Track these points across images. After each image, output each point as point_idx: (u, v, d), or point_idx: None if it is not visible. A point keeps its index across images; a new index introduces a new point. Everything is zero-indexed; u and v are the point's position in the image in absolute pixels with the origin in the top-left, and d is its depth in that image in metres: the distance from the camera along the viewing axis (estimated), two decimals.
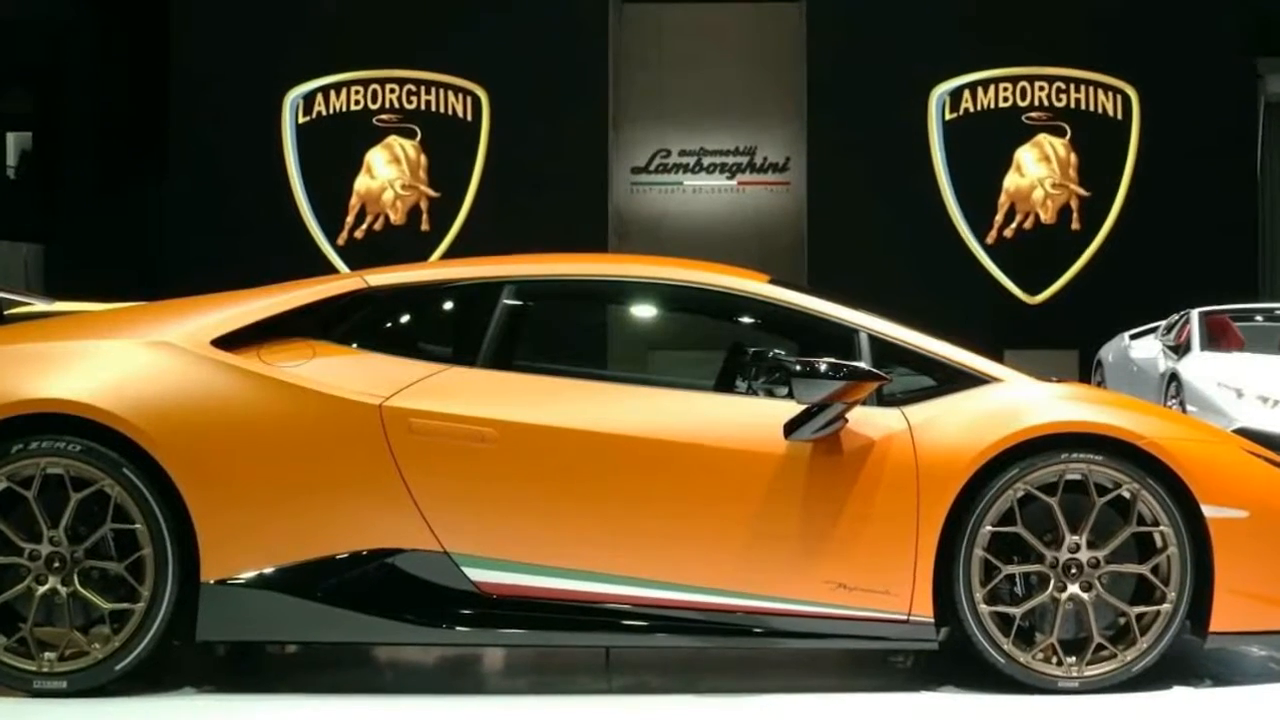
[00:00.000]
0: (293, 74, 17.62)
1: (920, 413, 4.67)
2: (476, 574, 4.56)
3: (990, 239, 17.34)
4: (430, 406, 4.60)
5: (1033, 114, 17.46)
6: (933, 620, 4.58)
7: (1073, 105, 17.44)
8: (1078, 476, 4.59)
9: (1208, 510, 4.58)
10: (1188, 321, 12.35)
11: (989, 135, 17.32)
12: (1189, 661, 4.95)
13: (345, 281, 4.99)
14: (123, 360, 4.66)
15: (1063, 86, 17.45)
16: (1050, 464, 4.58)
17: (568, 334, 6.39)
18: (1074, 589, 4.60)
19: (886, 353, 4.83)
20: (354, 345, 4.81)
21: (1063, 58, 17.36)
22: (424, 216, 17.62)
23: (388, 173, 17.68)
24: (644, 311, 5.58)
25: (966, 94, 17.48)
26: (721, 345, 5.49)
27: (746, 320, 5.27)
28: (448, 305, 5.13)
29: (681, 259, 5.39)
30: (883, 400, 4.71)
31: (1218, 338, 11.94)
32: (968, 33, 17.26)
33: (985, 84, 17.48)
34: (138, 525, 4.51)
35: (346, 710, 4.49)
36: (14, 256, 17.09)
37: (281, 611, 4.54)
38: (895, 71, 17.16)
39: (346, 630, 4.57)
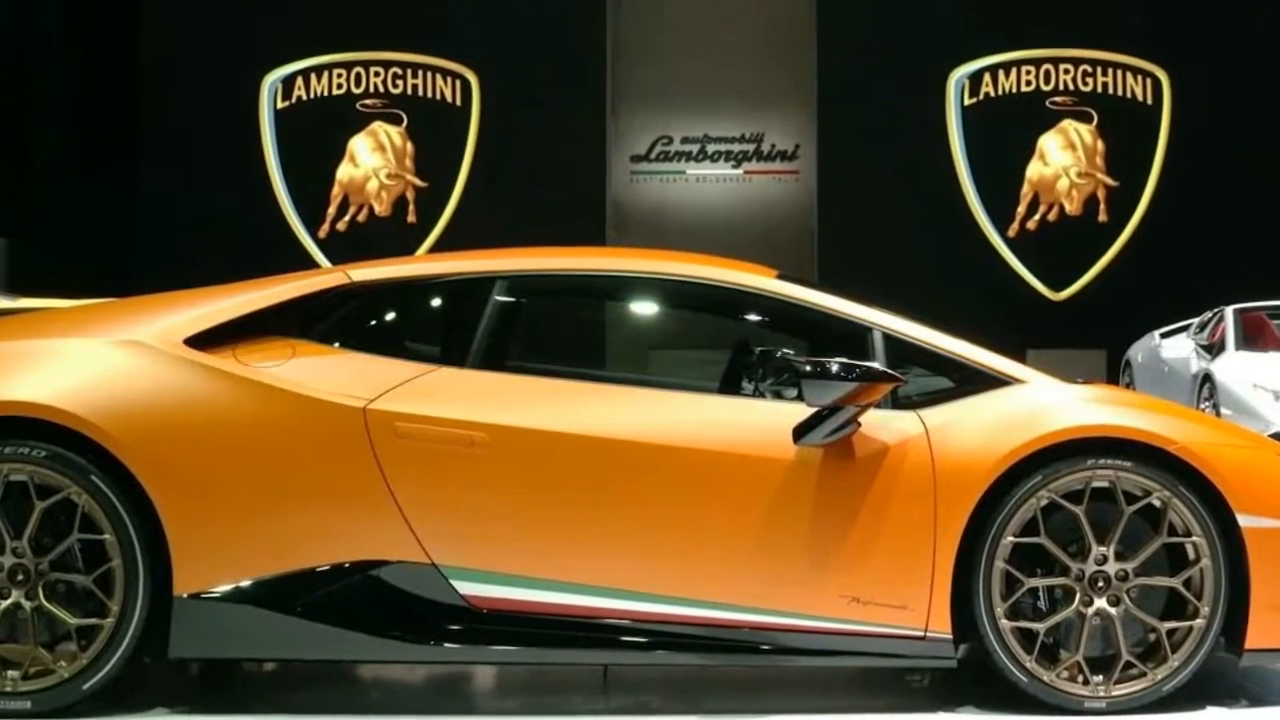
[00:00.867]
0: (271, 56, 17.65)
1: (937, 416, 4.67)
2: (466, 587, 4.56)
3: (1012, 231, 17.36)
4: (417, 409, 4.60)
5: (1057, 98, 17.49)
6: (951, 636, 4.58)
7: (1100, 89, 17.47)
8: (1105, 484, 4.59)
9: (1244, 520, 4.58)
10: (1222, 319, 12.37)
11: (1011, 121, 17.35)
12: (1223, 681, 4.95)
13: (327, 276, 4.99)
14: (90, 360, 4.66)
15: (1089, 69, 17.47)
16: (1076, 470, 4.58)
17: (563, 332, 6.38)
18: (1101, 603, 4.60)
19: (901, 352, 4.83)
20: (336, 344, 4.81)
21: (1089, 39, 17.38)
22: (410, 208, 17.65)
23: (372, 161, 17.70)
24: (644, 309, 5.58)
25: (987, 77, 17.50)
26: (726, 345, 5.49)
27: (752, 318, 5.28)
28: (436, 302, 5.13)
29: (684, 253, 5.39)
30: (898, 403, 4.71)
31: (1254, 336, 11.95)
32: (988, 12, 17.28)
33: (1007, 67, 17.51)
34: (106, 535, 4.51)
35: None
36: None
37: (259, 627, 4.53)
38: (911, 53, 17.18)
39: (328, 647, 4.56)
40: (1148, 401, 5.17)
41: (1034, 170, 17.42)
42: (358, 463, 4.56)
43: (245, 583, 4.55)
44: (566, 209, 16.50)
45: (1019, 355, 5.03)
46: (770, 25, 18.21)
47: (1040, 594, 4.65)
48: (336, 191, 17.62)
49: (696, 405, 4.83)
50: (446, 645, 4.54)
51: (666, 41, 18.21)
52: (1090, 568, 4.60)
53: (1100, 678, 4.59)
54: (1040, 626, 4.60)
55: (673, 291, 5.16)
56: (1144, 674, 4.60)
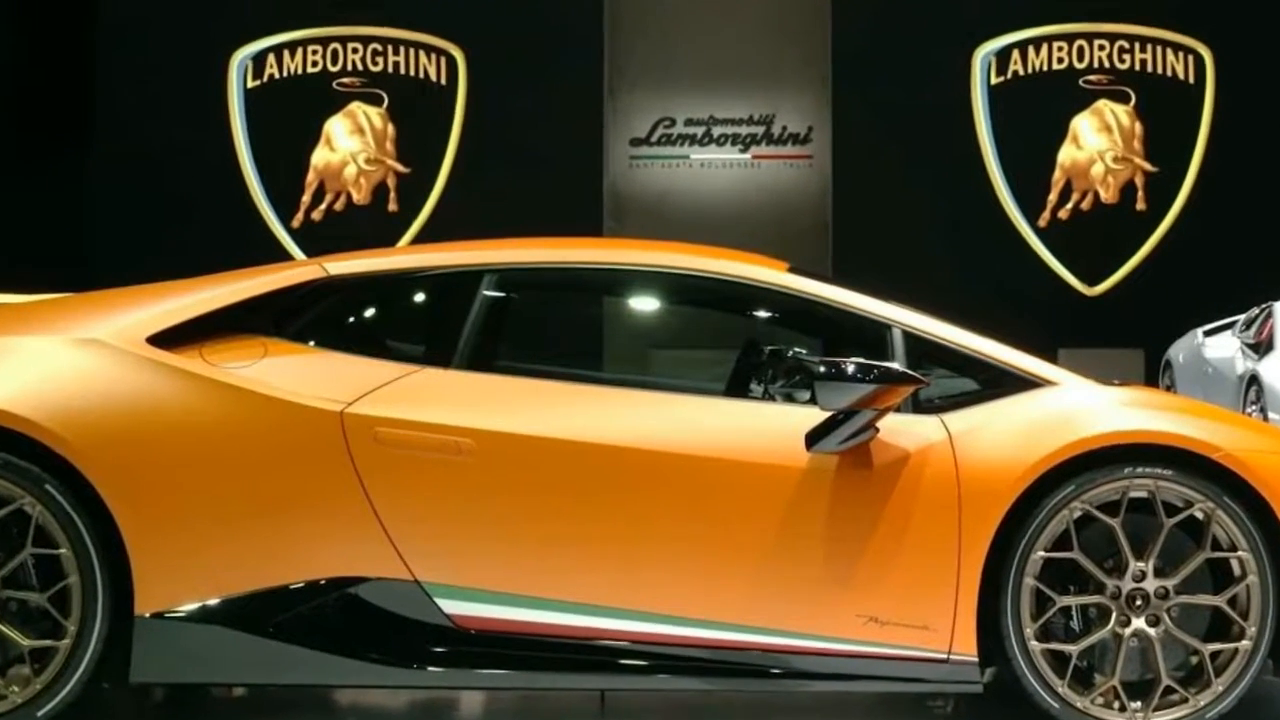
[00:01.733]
0: (240, 31, 17.64)
1: (962, 421, 4.67)
2: (451, 606, 4.56)
3: (1043, 221, 17.36)
4: (399, 414, 4.61)
5: (1092, 77, 17.49)
6: (976, 659, 4.58)
7: (1138, 67, 17.47)
8: (1143, 494, 4.60)
9: None
10: (1270, 316, 12.37)
11: (1041, 102, 17.35)
12: (1272, 707, 4.96)
13: (301, 270, 4.99)
14: (45, 360, 4.66)
15: (1126, 45, 17.48)
16: (1112, 480, 4.58)
17: (556, 330, 6.40)
18: (1139, 623, 4.61)
19: (923, 352, 4.84)
20: (311, 343, 4.82)
21: (1126, 12, 17.38)
22: (391, 195, 17.65)
23: (350, 145, 17.71)
24: (644, 304, 5.60)
25: (1015, 54, 17.50)
26: (733, 343, 5.50)
27: (762, 315, 5.29)
28: (419, 297, 5.14)
29: (687, 244, 5.40)
30: (919, 407, 4.71)
31: None
32: None
33: (1037, 43, 17.51)
34: (62, 550, 4.51)
35: None
36: None
37: (228, 649, 4.54)
38: (934, 28, 17.18)
39: (303, 670, 4.57)
40: (1189, 405, 5.18)
41: (1066, 155, 17.42)
42: (334, 471, 4.56)
43: (213, 601, 4.55)
44: (560, 197, 16.50)
45: (1050, 355, 5.04)
46: None
47: (1073, 613, 4.66)
48: (311, 178, 17.63)
49: (701, 409, 4.84)
50: (430, 668, 4.55)
51: (669, 14, 18.22)
52: (1127, 585, 4.61)
53: (1138, 704, 4.60)
54: (1073, 649, 4.60)
55: (675, 286, 5.17)
56: (1185, 700, 4.60)
